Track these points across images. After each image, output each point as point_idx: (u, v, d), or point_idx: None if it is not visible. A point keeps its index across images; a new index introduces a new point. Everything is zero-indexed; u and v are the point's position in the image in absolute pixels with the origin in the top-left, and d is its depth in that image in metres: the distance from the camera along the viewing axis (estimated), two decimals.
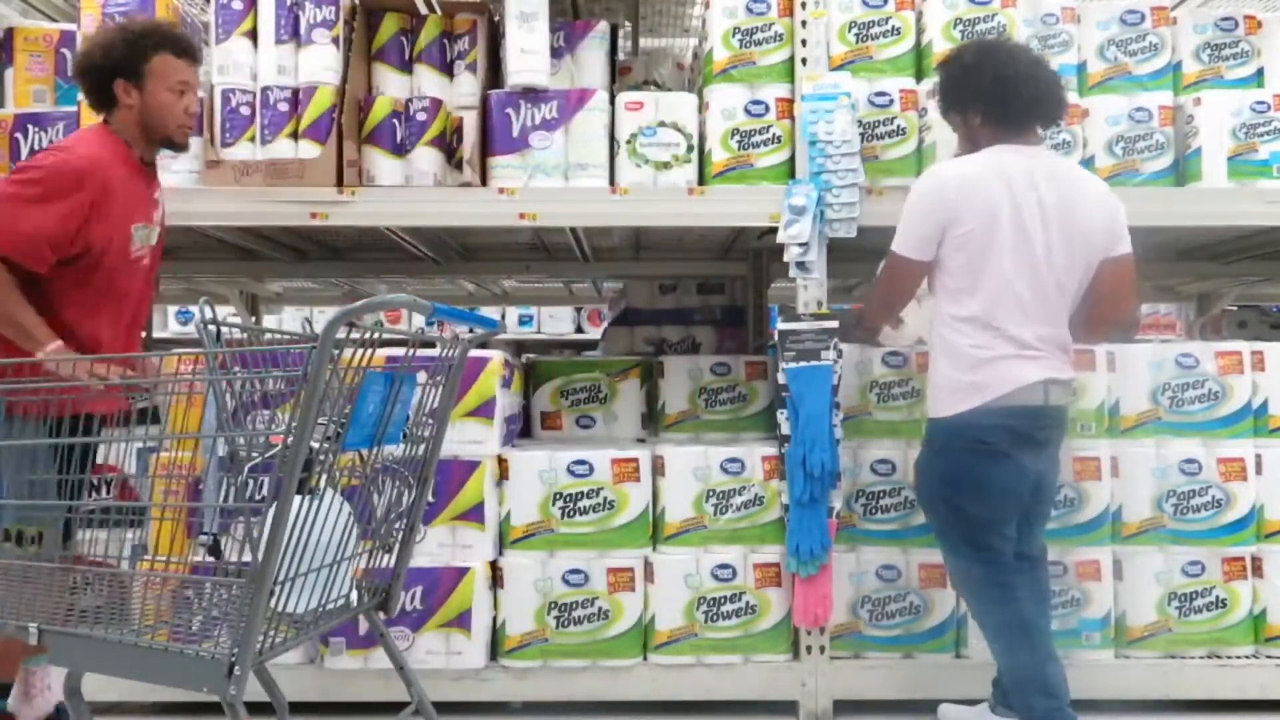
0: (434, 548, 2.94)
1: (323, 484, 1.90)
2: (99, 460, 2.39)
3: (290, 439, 1.76)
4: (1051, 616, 2.73)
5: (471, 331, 2.36)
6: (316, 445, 1.82)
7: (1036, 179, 2.56)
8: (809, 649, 3.00)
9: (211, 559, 1.91)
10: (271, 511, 1.79)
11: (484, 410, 3.00)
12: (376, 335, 1.88)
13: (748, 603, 3.03)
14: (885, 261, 2.72)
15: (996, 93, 2.60)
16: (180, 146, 2.76)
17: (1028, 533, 2.68)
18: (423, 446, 2.23)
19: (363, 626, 2.91)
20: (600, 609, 2.99)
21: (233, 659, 1.76)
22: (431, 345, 2.26)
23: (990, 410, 2.51)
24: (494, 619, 3.02)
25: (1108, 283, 2.64)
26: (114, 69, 2.58)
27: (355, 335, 1.85)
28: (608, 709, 2.92)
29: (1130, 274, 2.67)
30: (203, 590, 2.10)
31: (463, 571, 2.95)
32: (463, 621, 2.95)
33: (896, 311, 2.92)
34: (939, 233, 2.56)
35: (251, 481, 1.89)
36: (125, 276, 2.66)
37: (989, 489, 2.55)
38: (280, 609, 1.89)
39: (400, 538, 2.27)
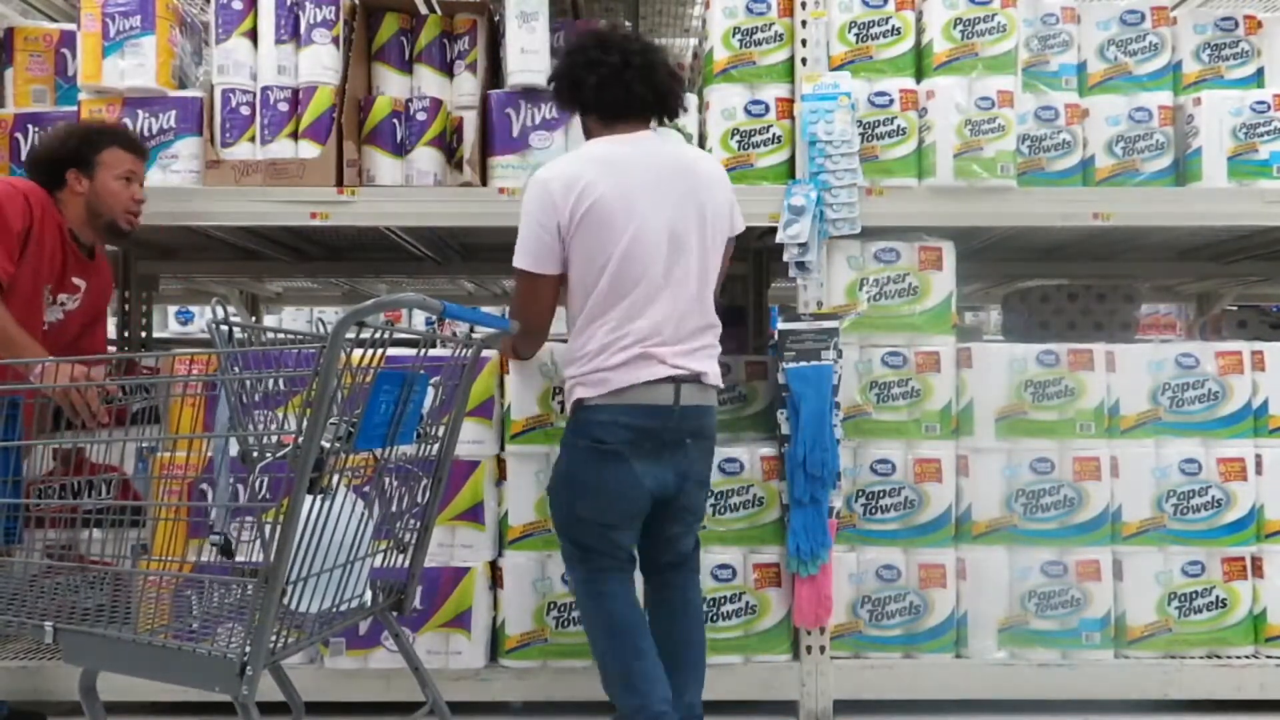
0: (434, 548, 2.93)
1: (336, 484, 1.90)
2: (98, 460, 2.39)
3: (301, 439, 1.76)
4: (691, 622, 2.59)
5: (472, 331, 2.36)
6: (328, 445, 1.82)
7: (643, 164, 2.46)
8: (809, 649, 3.00)
9: (223, 559, 1.91)
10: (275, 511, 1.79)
11: (483, 410, 3.00)
12: (387, 335, 1.88)
13: (748, 603, 3.02)
14: (515, 279, 2.58)
15: (587, 89, 2.53)
16: (122, 233, 2.93)
17: (668, 544, 2.58)
18: (436, 446, 2.23)
19: (363, 626, 2.91)
20: None
21: (245, 659, 1.77)
22: (432, 344, 2.26)
23: (611, 407, 2.40)
24: (494, 619, 3.02)
25: (726, 258, 2.66)
26: (68, 159, 2.84)
27: (366, 335, 1.85)
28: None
29: (729, 255, 2.69)
30: (213, 590, 2.11)
31: (462, 571, 2.95)
32: (462, 621, 2.95)
33: (538, 332, 2.66)
34: (555, 239, 2.45)
35: (262, 481, 1.90)
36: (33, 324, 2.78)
37: (600, 491, 2.44)
38: (294, 609, 1.89)
39: (415, 538, 2.27)
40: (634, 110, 2.54)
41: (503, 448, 3.02)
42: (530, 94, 3.11)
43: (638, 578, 2.62)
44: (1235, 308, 5.21)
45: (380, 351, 1.89)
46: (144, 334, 4.56)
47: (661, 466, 2.46)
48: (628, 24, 4.07)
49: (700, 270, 2.52)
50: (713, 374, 2.53)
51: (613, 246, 2.42)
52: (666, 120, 2.64)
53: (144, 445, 2.63)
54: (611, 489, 2.44)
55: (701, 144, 3.17)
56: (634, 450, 2.41)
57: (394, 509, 2.21)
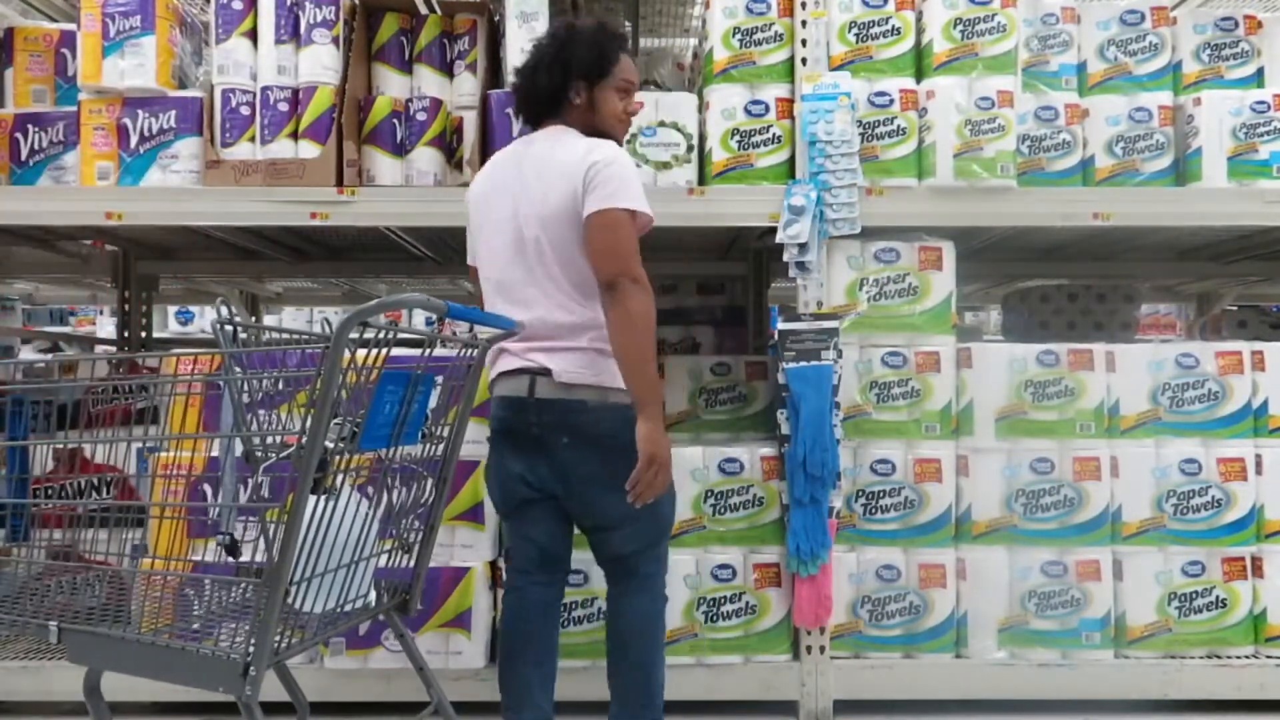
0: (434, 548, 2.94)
1: (340, 484, 1.90)
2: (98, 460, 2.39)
3: (305, 439, 1.76)
4: (617, 639, 2.52)
5: (472, 332, 2.36)
6: (332, 445, 1.82)
7: (509, 162, 2.49)
8: (809, 649, 3.00)
9: (227, 558, 1.91)
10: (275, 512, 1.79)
11: (484, 410, 2.98)
12: (391, 335, 1.88)
13: (748, 603, 3.03)
14: None
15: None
16: None
17: (594, 548, 2.52)
18: (441, 446, 2.23)
19: (362, 626, 2.91)
20: (599, 609, 2.98)
21: (248, 659, 1.77)
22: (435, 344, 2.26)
23: (493, 400, 2.51)
24: (494, 619, 3.02)
25: (588, 243, 2.35)
26: None
27: (370, 335, 1.85)
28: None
29: (603, 230, 2.31)
30: (216, 590, 2.11)
31: (462, 571, 2.95)
32: (462, 621, 2.95)
33: None
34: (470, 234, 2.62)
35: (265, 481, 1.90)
36: None
37: (488, 481, 2.59)
38: (298, 609, 1.89)
39: (420, 538, 2.26)
40: (520, 113, 2.60)
41: None
42: None
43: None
44: (1235, 308, 5.21)
45: (384, 351, 1.89)
46: (144, 334, 4.56)
47: (535, 459, 2.40)
48: (627, 24, 4.08)
49: (561, 269, 2.38)
50: (566, 372, 2.35)
51: (477, 243, 2.56)
52: (550, 113, 2.51)
53: (144, 445, 2.63)
54: (491, 478, 2.56)
55: (701, 144, 3.17)
56: (503, 441, 2.47)
57: (399, 509, 2.21)
